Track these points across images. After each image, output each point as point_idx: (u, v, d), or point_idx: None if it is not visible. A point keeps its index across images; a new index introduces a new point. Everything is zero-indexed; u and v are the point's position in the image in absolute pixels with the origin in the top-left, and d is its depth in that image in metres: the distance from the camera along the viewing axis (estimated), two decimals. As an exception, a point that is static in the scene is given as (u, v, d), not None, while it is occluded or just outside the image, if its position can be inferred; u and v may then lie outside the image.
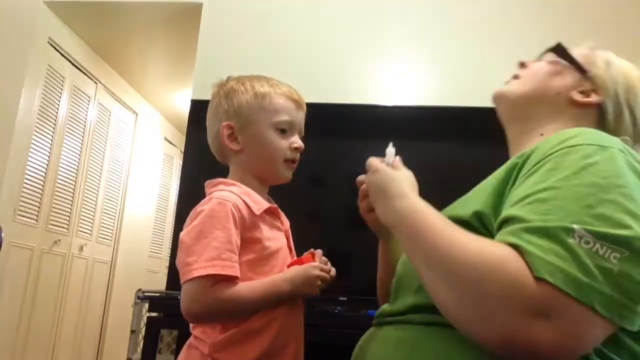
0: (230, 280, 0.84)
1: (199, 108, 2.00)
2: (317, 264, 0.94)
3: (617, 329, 0.55)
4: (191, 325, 0.93)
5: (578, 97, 0.80)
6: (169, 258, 3.89)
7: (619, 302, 0.53)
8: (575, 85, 0.81)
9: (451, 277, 0.59)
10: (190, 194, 1.94)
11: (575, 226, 0.55)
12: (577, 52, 0.85)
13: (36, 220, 2.76)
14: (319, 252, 0.98)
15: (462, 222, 0.68)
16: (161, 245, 4.32)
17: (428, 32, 2.22)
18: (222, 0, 2.37)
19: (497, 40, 2.15)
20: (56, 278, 2.97)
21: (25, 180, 2.64)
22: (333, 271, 0.97)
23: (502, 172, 0.71)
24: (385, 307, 0.81)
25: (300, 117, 1.01)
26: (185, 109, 2.25)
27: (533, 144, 0.72)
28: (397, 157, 0.84)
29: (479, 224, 0.67)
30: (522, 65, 0.90)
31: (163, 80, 3.63)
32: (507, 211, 0.62)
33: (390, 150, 0.85)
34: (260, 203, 0.94)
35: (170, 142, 4.48)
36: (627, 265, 0.53)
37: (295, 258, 0.99)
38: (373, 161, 0.82)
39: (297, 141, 0.99)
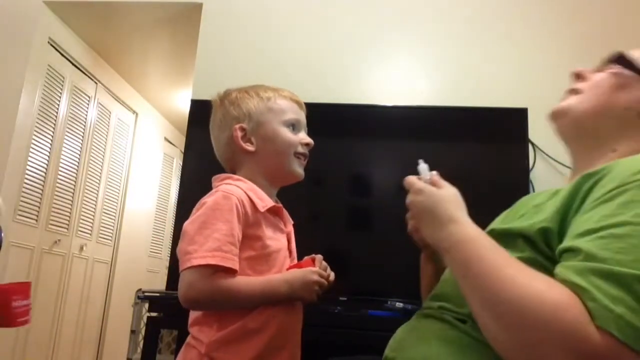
0: (229, 272, 0.85)
1: (199, 108, 2.00)
2: (316, 269, 0.94)
3: None
4: (189, 323, 0.94)
5: None
6: (169, 258, 3.89)
7: None
8: None
9: (505, 318, 0.55)
10: (190, 194, 1.94)
11: None
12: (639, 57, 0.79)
13: (36, 220, 2.76)
14: (319, 257, 0.98)
15: (525, 237, 0.66)
16: (161, 245, 4.32)
17: (428, 32, 2.22)
18: (222, 0, 2.37)
19: (497, 41, 2.15)
20: (56, 278, 2.97)
21: (25, 180, 2.64)
22: (332, 276, 0.97)
23: (569, 189, 0.67)
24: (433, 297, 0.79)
25: (304, 116, 1.04)
26: (185, 109, 2.25)
27: (605, 160, 0.68)
28: (435, 173, 0.80)
29: (541, 241, 0.64)
30: (579, 76, 0.83)
31: (163, 80, 3.63)
32: (574, 241, 0.58)
33: (423, 166, 0.82)
34: (264, 200, 0.95)
35: (170, 142, 4.48)
36: None
37: (295, 261, 0.99)
38: (414, 181, 0.78)
39: (306, 137, 1.02)
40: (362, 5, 2.29)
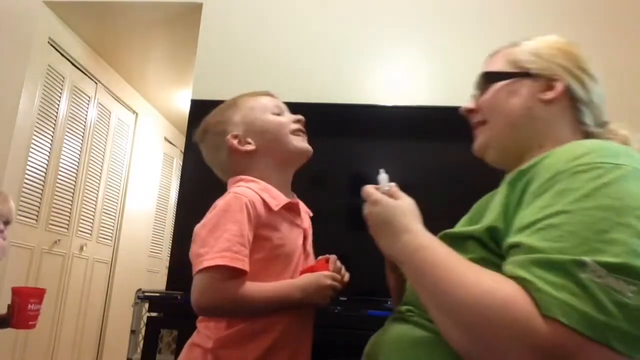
0: (240, 275, 0.84)
1: (199, 108, 2.00)
2: (330, 273, 0.93)
3: None
4: (198, 318, 0.94)
5: (545, 96, 0.78)
6: (169, 258, 3.89)
7: (637, 337, 0.51)
8: (535, 90, 0.79)
9: (460, 319, 0.57)
10: (190, 194, 1.94)
11: (586, 259, 0.52)
12: (502, 64, 0.83)
13: (36, 220, 2.76)
14: (333, 257, 0.97)
15: (474, 238, 0.67)
16: (161, 245, 4.32)
17: (428, 32, 2.22)
18: (222, 0, 2.37)
19: (498, 41, 2.15)
20: (56, 278, 2.97)
21: (25, 180, 2.64)
22: (347, 277, 0.96)
23: (505, 188, 0.69)
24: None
25: (283, 104, 1.07)
26: (185, 109, 2.25)
27: (534, 157, 0.70)
28: (394, 184, 0.81)
29: (490, 240, 0.66)
30: (471, 111, 0.86)
31: (163, 80, 3.63)
32: (516, 236, 0.60)
33: (383, 176, 0.83)
34: (278, 198, 0.95)
35: (170, 142, 4.48)
36: None
37: (311, 261, 0.98)
38: (371, 191, 0.79)
39: (294, 115, 1.04)
40: (363, 5, 2.29)
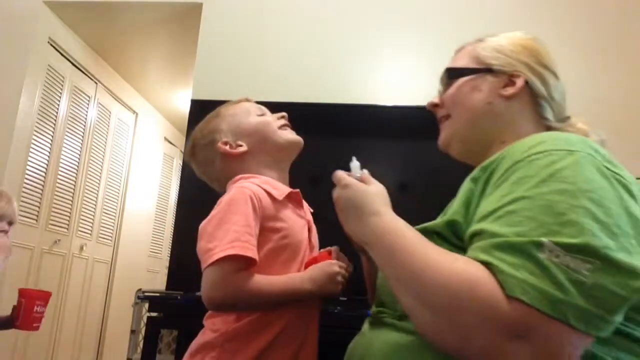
0: (250, 265, 0.85)
1: (199, 108, 2.00)
2: (335, 261, 0.93)
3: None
4: (206, 315, 0.94)
5: (505, 91, 0.80)
6: (168, 258, 3.89)
7: (594, 314, 0.52)
8: (496, 85, 0.81)
9: (427, 301, 0.58)
10: (190, 194, 1.94)
11: (544, 240, 0.54)
12: (465, 60, 0.85)
13: (36, 220, 2.76)
14: (335, 248, 0.98)
15: (437, 233, 0.68)
16: (161, 245, 4.32)
17: (428, 32, 2.22)
18: (222, 0, 2.37)
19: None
20: (56, 278, 2.97)
21: (25, 180, 2.64)
22: (350, 266, 0.97)
23: (467, 184, 0.71)
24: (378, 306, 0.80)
25: (265, 108, 1.09)
26: (185, 109, 2.25)
27: (496, 152, 0.71)
28: (365, 171, 0.83)
29: (450, 234, 0.67)
30: (436, 105, 0.89)
31: (163, 80, 3.63)
32: (478, 224, 0.61)
33: (355, 163, 0.84)
34: (280, 189, 0.96)
35: (170, 142, 4.48)
36: (599, 275, 0.52)
37: (316, 254, 0.99)
38: (343, 176, 0.80)
39: (277, 113, 1.06)
40: (363, 5, 2.29)
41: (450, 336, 0.57)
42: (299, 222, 0.97)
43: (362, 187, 0.77)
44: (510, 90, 0.80)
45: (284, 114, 1.06)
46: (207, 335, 0.90)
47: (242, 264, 0.84)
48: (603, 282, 0.52)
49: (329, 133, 1.86)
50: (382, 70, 2.21)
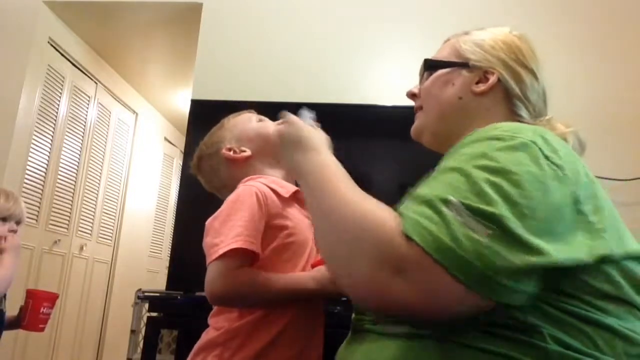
0: (254, 260, 0.86)
1: (199, 108, 2.00)
2: None
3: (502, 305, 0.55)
4: (210, 314, 0.95)
5: (477, 88, 0.80)
6: (168, 258, 3.89)
7: (482, 272, 0.53)
8: (469, 81, 0.81)
9: (334, 229, 0.62)
10: (190, 194, 1.94)
11: (452, 198, 0.56)
12: (446, 52, 0.86)
13: (36, 220, 2.76)
14: None
15: None
16: (161, 245, 4.32)
17: (428, 31, 2.22)
18: (222, 0, 2.37)
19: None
20: (56, 278, 2.98)
21: (25, 180, 2.64)
22: None
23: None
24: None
25: (266, 118, 1.13)
26: (185, 109, 2.25)
27: None
28: (313, 122, 0.88)
29: None
30: (413, 95, 0.90)
31: (163, 80, 3.63)
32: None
33: (306, 113, 0.89)
34: (287, 187, 0.99)
35: (170, 142, 4.48)
36: (496, 241, 0.53)
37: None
38: (290, 114, 0.84)
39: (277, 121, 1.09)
40: (363, 5, 2.29)
41: (345, 265, 0.60)
42: (304, 221, 0.98)
43: (308, 127, 0.83)
44: (481, 87, 0.80)
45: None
46: (210, 334, 0.91)
47: (245, 259, 0.85)
48: (498, 249, 0.53)
49: (328, 133, 1.86)
50: (382, 70, 2.21)
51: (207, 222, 0.91)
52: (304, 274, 0.92)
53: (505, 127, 0.65)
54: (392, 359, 0.62)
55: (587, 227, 0.59)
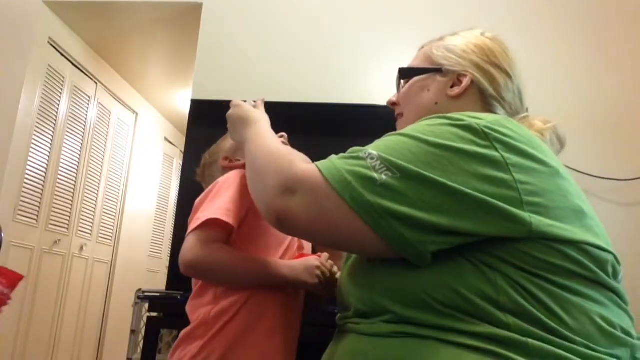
0: (228, 233, 0.90)
1: (199, 108, 2.00)
2: (317, 258, 0.96)
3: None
4: (188, 305, 0.96)
5: (452, 91, 0.81)
6: (168, 258, 3.89)
7: (371, 204, 0.59)
8: (444, 86, 0.82)
9: (258, 168, 0.74)
10: (190, 194, 1.94)
11: (372, 151, 0.63)
12: (420, 59, 0.88)
13: (36, 220, 2.76)
14: (324, 255, 1.01)
15: None
16: (161, 245, 4.32)
17: (429, 31, 2.22)
18: (222, 0, 2.37)
19: (497, 41, 2.15)
20: (56, 278, 2.98)
21: (25, 180, 2.64)
22: (335, 269, 0.98)
23: None
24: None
25: None
26: (185, 109, 2.25)
27: None
28: (260, 102, 1.02)
29: None
30: (393, 104, 0.92)
31: (163, 80, 3.63)
32: None
33: (250, 101, 1.03)
34: None
35: (170, 142, 4.48)
36: (392, 182, 0.59)
37: (307, 254, 1.01)
38: (236, 100, 1.00)
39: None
40: (363, 5, 2.29)
41: (260, 196, 0.71)
42: None
43: (250, 107, 0.99)
44: (456, 90, 0.81)
45: (282, 134, 1.11)
46: (187, 328, 0.92)
47: (222, 233, 0.89)
48: (392, 188, 0.59)
49: (328, 133, 1.86)
50: (382, 70, 2.21)
51: (196, 201, 0.96)
52: (278, 260, 0.94)
53: (450, 115, 0.67)
54: (373, 358, 0.62)
55: (503, 210, 0.58)
